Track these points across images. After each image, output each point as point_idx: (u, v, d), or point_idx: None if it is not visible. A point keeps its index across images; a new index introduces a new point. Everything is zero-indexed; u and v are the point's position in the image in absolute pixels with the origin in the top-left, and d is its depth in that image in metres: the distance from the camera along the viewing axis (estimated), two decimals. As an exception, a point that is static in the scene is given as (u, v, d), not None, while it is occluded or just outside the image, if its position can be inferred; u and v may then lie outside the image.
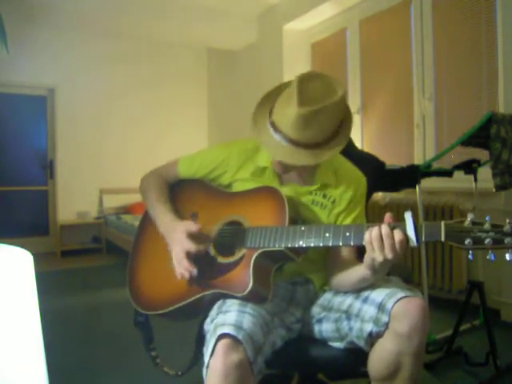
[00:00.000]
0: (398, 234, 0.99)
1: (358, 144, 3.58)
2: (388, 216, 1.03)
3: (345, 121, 1.21)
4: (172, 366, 1.39)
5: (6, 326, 0.53)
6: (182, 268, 1.17)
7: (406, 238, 0.99)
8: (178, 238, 1.21)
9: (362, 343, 1.10)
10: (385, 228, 1.00)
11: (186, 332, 1.38)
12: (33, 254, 0.60)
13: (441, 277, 3.05)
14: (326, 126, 1.15)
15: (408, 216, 1.00)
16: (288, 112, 1.12)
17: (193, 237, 1.20)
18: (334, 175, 1.31)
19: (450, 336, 2.17)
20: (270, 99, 1.24)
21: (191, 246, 1.18)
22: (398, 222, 1.02)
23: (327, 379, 1.59)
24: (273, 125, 1.17)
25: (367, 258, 1.04)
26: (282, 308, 1.26)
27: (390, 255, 0.99)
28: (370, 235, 1.01)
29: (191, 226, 1.21)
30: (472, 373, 2.03)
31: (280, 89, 1.24)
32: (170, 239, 1.25)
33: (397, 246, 0.99)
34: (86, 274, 4.38)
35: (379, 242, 1.00)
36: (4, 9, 3.45)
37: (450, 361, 2.13)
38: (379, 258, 1.00)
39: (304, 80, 1.14)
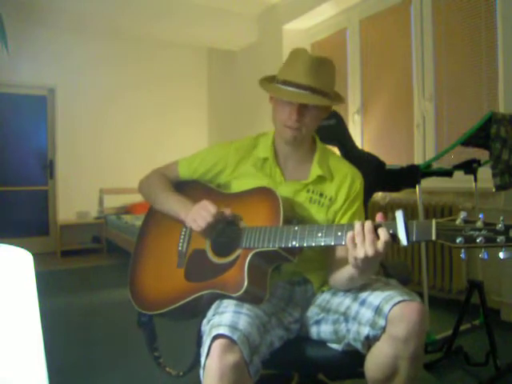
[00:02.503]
0: (382, 234, 0.98)
1: (358, 144, 3.58)
2: (379, 215, 1.03)
3: (337, 93, 1.33)
4: (174, 367, 1.39)
5: (6, 326, 0.53)
6: (203, 212, 1.19)
7: (393, 237, 0.98)
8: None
9: (359, 346, 1.10)
10: (367, 224, 1.00)
11: (188, 332, 1.38)
12: (33, 254, 0.60)
13: (441, 277, 3.05)
14: (331, 78, 1.26)
15: (399, 215, 0.98)
16: (300, 62, 1.22)
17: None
18: (328, 169, 1.32)
19: (450, 336, 2.17)
20: (269, 80, 1.32)
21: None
22: (390, 221, 1.01)
23: (327, 379, 1.59)
24: (285, 83, 1.23)
25: (350, 256, 1.03)
26: (280, 308, 1.26)
27: (370, 251, 0.98)
28: (353, 232, 1.01)
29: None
30: (472, 373, 2.03)
31: (274, 76, 1.32)
32: (191, 208, 1.25)
33: (380, 245, 0.98)
34: (86, 274, 4.38)
35: (361, 236, 0.99)
36: (4, 9, 3.45)
37: (449, 361, 2.13)
38: (360, 254, 0.99)
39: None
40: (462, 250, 0.95)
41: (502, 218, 0.91)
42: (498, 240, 0.90)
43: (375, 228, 1.00)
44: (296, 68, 1.22)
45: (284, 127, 1.27)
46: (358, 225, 1.01)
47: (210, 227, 1.21)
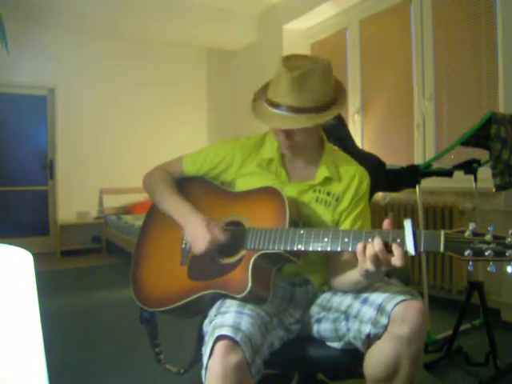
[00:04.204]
0: (396, 252, 0.97)
1: (358, 144, 3.58)
2: (386, 223, 1.02)
3: (339, 92, 1.23)
4: (174, 364, 1.39)
5: (6, 326, 0.53)
6: (210, 236, 1.18)
7: (404, 250, 0.98)
8: (202, 222, 1.22)
9: (358, 344, 1.10)
10: (378, 245, 0.98)
11: (188, 330, 1.38)
12: (33, 254, 0.60)
13: (441, 277, 3.05)
14: (320, 89, 1.16)
15: (407, 224, 0.97)
16: (281, 83, 1.15)
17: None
18: (336, 170, 1.31)
19: (450, 336, 2.17)
20: (262, 93, 1.28)
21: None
22: (397, 230, 1.00)
23: (327, 379, 1.59)
24: (270, 103, 1.19)
25: (360, 268, 1.03)
26: (282, 309, 1.26)
27: (383, 267, 0.99)
28: (364, 251, 1.00)
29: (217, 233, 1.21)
30: (472, 373, 2.03)
31: (268, 84, 1.28)
32: (191, 222, 1.24)
33: (393, 262, 0.98)
34: (86, 274, 4.39)
35: (374, 258, 0.99)
36: (4, 9, 3.45)
37: (450, 361, 2.13)
38: (371, 268, 1.00)
39: (289, 57, 1.21)
40: (470, 263, 0.94)
41: (511, 232, 0.91)
42: (507, 254, 0.90)
43: (385, 244, 0.99)
44: (279, 87, 1.16)
45: (280, 145, 1.28)
46: (370, 249, 0.99)
47: (207, 251, 1.20)
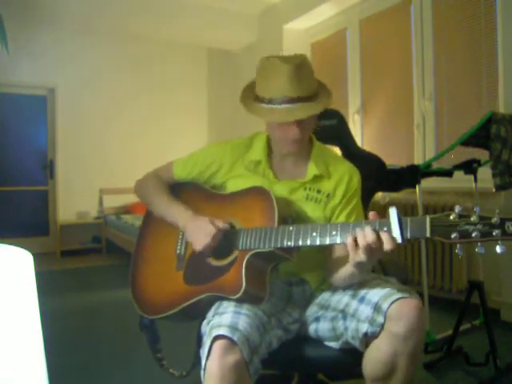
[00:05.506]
0: (387, 243, 0.97)
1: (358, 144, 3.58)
2: (372, 214, 1.03)
3: (321, 85, 1.27)
4: (176, 367, 1.38)
5: (6, 326, 0.53)
6: (202, 235, 1.18)
7: (393, 240, 0.97)
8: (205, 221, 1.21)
9: (356, 343, 1.10)
10: (370, 235, 0.98)
11: (189, 332, 1.38)
12: (33, 254, 0.60)
13: (441, 277, 3.05)
14: (311, 79, 1.21)
15: (393, 212, 0.97)
16: (278, 76, 1.16)
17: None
18: (326, 168, 1.31)
19: (450, 336, 2.17)
20: (247, 93, 1.29)
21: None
22: (383, 219, 1.00)
23: (327, 379, 1.59)
24: (271, 101, 1.19)
25: (352, 260, 1.03)
26: (280, 308, 1.26)
27: (375, 258, 1.00)
28: (355, 243, 1.00)
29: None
30: (472, 373, 2.03)
31: (251, 86, 1.29)
32: (193, 221, 1.23)
33: (385, 250, 0.98)
34: (86, 274, 4.39)
35: (367, 247, 0.99)
36: (4, 9, 3.45)
37: (450, 361, 2.13)
38: (363, 258, 1.00)
39: (268, 57, 1.24)
40: (458, 246, 0.93)
41: (497, 211, 0.90)
42: (494, 234, 0.89)
43: (377, 236, 0.99)
44: (277, 81, 1.17)
45: (286, 143, 1.25)
46: (361, 238, 0.99)
47: (210, 247, 1.20)
